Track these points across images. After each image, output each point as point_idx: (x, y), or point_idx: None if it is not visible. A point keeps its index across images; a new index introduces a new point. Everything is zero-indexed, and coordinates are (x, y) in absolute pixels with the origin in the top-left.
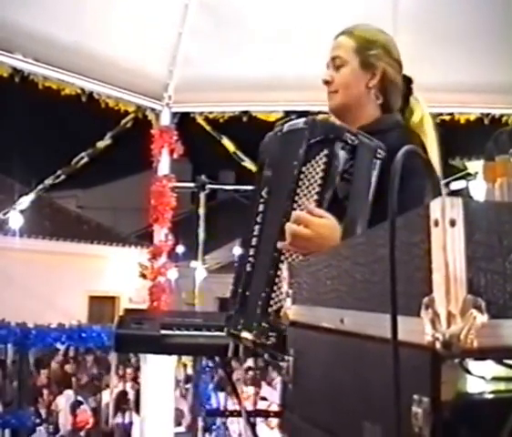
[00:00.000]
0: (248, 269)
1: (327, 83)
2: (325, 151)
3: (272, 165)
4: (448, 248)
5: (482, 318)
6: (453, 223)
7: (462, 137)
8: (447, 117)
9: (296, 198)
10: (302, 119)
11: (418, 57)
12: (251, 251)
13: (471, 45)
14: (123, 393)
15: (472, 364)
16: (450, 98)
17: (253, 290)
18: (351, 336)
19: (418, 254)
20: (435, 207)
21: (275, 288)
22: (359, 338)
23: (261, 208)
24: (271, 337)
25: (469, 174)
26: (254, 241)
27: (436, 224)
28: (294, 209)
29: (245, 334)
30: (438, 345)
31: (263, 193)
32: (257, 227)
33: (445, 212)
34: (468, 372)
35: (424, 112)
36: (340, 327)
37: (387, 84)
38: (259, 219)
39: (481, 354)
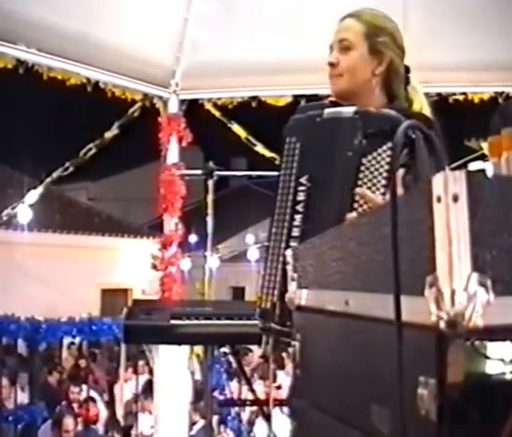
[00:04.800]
0: None
1: (332, 65)
2: (388, 144)
3: (311, 152)
4: (452, 224)
5: (487, 296)
6: (456, 198)
7: (477, 118)
8: (461, 97)
9: (357, 189)
10: (347, 109)
11: (429, 36)
12: (293, 243)
13: (483, 23)
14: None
15: (490, 345)
16: (463, 77)
17: None
18: (356, 318)
19: (421, 231)
20: (438, 182)
21: None
22: (364, 320)
23: (301, 196)
24: None
25: (485, 154)
26: (297, 232)
27: (439, 200)
28: (355, 202)
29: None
30: (443, 324)
31: (303, 180)
32: (299, 216)
33: (447, 187)
34: (479, 352)
35: (423, 100)
36: (345, 309)
37: (392, 72)
38: (300, 209)
39: (488, 333)
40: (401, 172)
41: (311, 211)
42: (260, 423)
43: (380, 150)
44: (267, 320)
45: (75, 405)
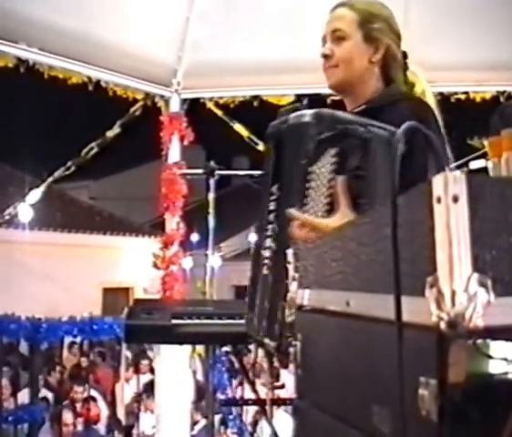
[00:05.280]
0: (264, 271)
1: (327, 57)
2: (334, 149)
3: (280, 159)
4: (452, 225)
5: (488, 296)
6: (456, 199)
7: (479, 117)
8: (463, 96)
9: (306, 200)
10: (308, 111)
11: (431, 34)
12: (267, 253)
13: (486, 22)
14: (150, 383)
15: (494, 345)
16: (465, 77)
17: (272, 300)
18: (357, 318)
19: (422, 232)
20: (438, 183)
21: None
22: (365, 320)
23: (272, 205)
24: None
25: (487, 153)
26: (268, 242)
27: (439, 201)
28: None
29: (268, 341)
30: (443, 325)
31: (274, 189)
32: (270, 226)
33: (447, 188)
34: (481, 352)
35: (425, 85)
36: (346, 309)
37: (389, 59)
38: (272, 218)
39: (488, 334)
40: (341, 179)
41: (279, 222)
42: (263, 423)
43: (327, 156)
44: (249, 329)
45: (78, 405)
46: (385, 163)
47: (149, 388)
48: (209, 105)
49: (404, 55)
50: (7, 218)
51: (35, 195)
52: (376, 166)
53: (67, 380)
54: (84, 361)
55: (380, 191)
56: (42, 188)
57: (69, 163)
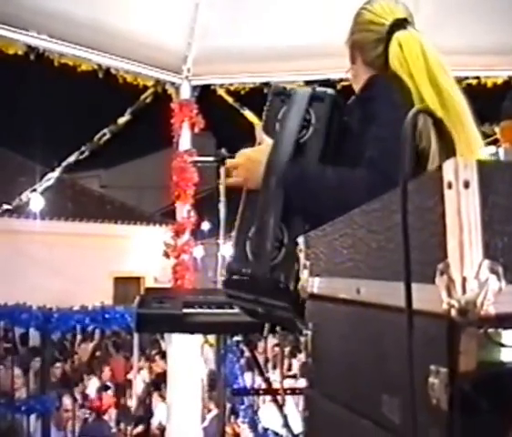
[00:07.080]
0: None
1: None
2: (267, 103)
3: None
4: (463, 211)
5: (499, 283)
6: (467, 185)
7: (491, 102)
8: (474, 81)
9: None
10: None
11: (442, 19)
12: None
13: (498, 6)
14: (159, 375)
15: (506, 333)
16: (476, 61)
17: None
18: (367, 306)
19: (432, 219)
20: (448, 168)
21: None
22: (375, 308)
23: None
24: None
25: (498, 139)
26: None
27: (450, 186)
28: None
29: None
30: (454, 312)
31: None
32: None
33: (458, 174)
34: (493, 340)
35: (395, 47)
36: (356, 297)
37: (359, 50)
38: None
39: (499, 321)
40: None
41: None
42: (264, 410)
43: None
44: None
45: (90, 395)
46: (299, 112)
47: (164, 378)
48: (220, 91)
49: (390, 30)
50: (18, 207)
51: (47, 184)
52: (290, 115)
53: (80, 369)
54: (97, 351)
55: (284, 134)
56: (53, 178)
57: (83, 148)
